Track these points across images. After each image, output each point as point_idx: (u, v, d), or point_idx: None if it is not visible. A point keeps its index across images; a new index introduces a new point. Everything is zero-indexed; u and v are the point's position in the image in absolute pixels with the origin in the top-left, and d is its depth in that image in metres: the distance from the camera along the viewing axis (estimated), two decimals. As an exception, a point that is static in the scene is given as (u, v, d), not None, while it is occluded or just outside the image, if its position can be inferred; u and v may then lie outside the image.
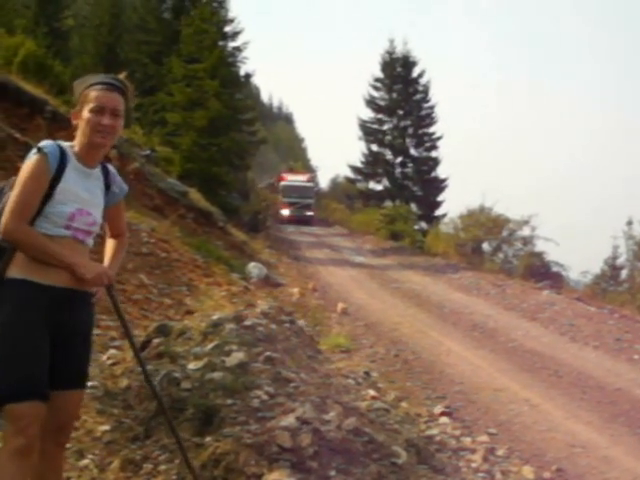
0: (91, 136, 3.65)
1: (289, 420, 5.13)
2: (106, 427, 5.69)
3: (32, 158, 3.57)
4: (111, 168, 3.91)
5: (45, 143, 3.61)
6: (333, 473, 4.73)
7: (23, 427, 3.42)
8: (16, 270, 3.53)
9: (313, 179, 59.23)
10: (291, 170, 63.49)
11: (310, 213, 52.22)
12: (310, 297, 17.24)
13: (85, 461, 5.13)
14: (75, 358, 3.73)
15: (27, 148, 11.38)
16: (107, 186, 3.83)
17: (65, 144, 3.69)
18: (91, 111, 3.63)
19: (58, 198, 3.57)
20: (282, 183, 53.96)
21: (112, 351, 7.70)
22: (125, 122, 3.81)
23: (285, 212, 51.25)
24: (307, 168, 73.86)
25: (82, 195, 3.65)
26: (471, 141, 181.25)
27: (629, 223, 24.68)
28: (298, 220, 49.51)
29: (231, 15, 34.72)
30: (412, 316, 15.74)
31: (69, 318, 3.66)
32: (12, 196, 3.54)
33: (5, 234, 3.50)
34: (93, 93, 3.66)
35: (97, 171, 3.78)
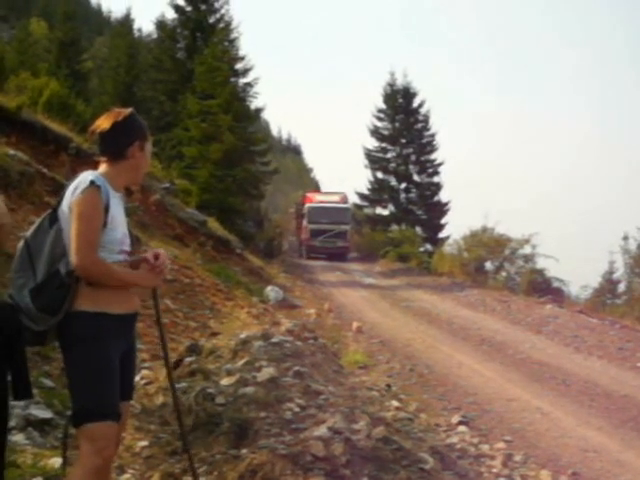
0: (141, 176, 3.81)
1: (321, 430, 5.12)
2: (144, 443, 5.69)
3: (87, 191, 3.45)
4: None
5: (94, 177, 3.53)
6: (365, 480, 4.71)
7: (101, 447, 3.41)
8: (88, 304, 3.46)
9: (347, 200, 44.46)
10: (318, 190, 52.33)
11: (345, 244, 40.00)
12: (326, 317, 17.20)
13: (126, 476, 5.12)
14: (129, 373, 3.81)
15: (54, 183, 11.48)
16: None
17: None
18: (148, 154, 3.77)
19: (110, 226, 3.56)
20: (308, 205, 41.65)
21: (144, 372, 7.70)
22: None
23: (312, 242, 39.34)
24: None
25: (122, 219, 3.70)
26: (470, 164, 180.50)
27: (625, 238, 24.66)
28: (329, 253, 38.83)
29: (242, 53, 35.29)
30: (423, 332, 15.70)
31: (131, 339, 3.76)
32: (78, 231, 3.42)
33: (82, 269, 3.39)
34: (150, 138, 3.79)
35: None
